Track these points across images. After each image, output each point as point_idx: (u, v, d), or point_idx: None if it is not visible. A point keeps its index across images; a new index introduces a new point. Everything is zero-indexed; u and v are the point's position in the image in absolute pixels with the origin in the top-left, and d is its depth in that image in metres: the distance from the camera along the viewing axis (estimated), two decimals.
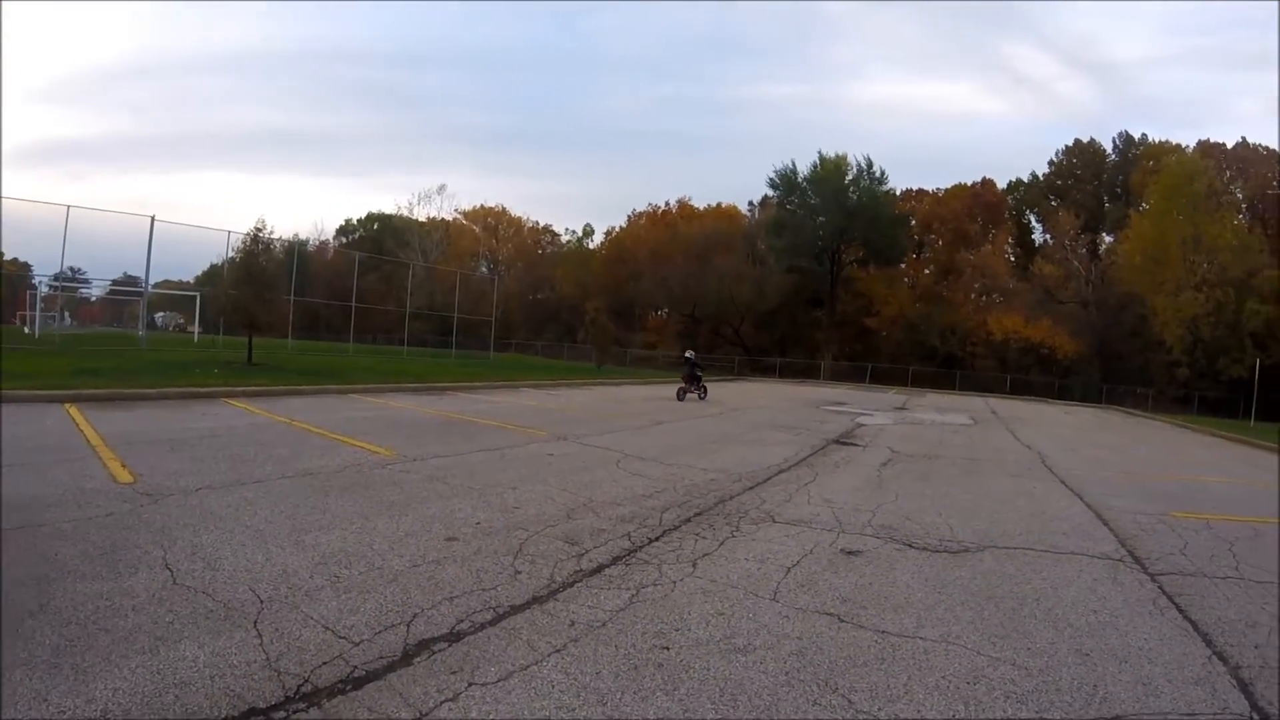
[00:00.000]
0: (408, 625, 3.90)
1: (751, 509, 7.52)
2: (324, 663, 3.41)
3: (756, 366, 62.09)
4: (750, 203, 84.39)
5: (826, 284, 66.38)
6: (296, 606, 4.07)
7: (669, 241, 72.91)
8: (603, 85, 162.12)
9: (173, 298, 69.37)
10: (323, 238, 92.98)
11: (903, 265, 72.17)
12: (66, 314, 56.99)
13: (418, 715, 3.03)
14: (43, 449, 8.18)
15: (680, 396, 23.74)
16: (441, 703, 3.13)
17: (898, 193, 71.68)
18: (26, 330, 40.71)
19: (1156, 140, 70.70)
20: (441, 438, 11.23)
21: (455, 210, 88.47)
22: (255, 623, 3.81)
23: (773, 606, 4.61)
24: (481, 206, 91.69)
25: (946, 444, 15.65)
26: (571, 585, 4.76)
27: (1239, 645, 4.46)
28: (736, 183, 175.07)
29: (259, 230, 23.37)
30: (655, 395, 25.66)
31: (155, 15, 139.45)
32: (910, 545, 6.44)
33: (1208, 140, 67.46)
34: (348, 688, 3.20)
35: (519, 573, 4.92)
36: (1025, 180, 78.96)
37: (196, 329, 49.72)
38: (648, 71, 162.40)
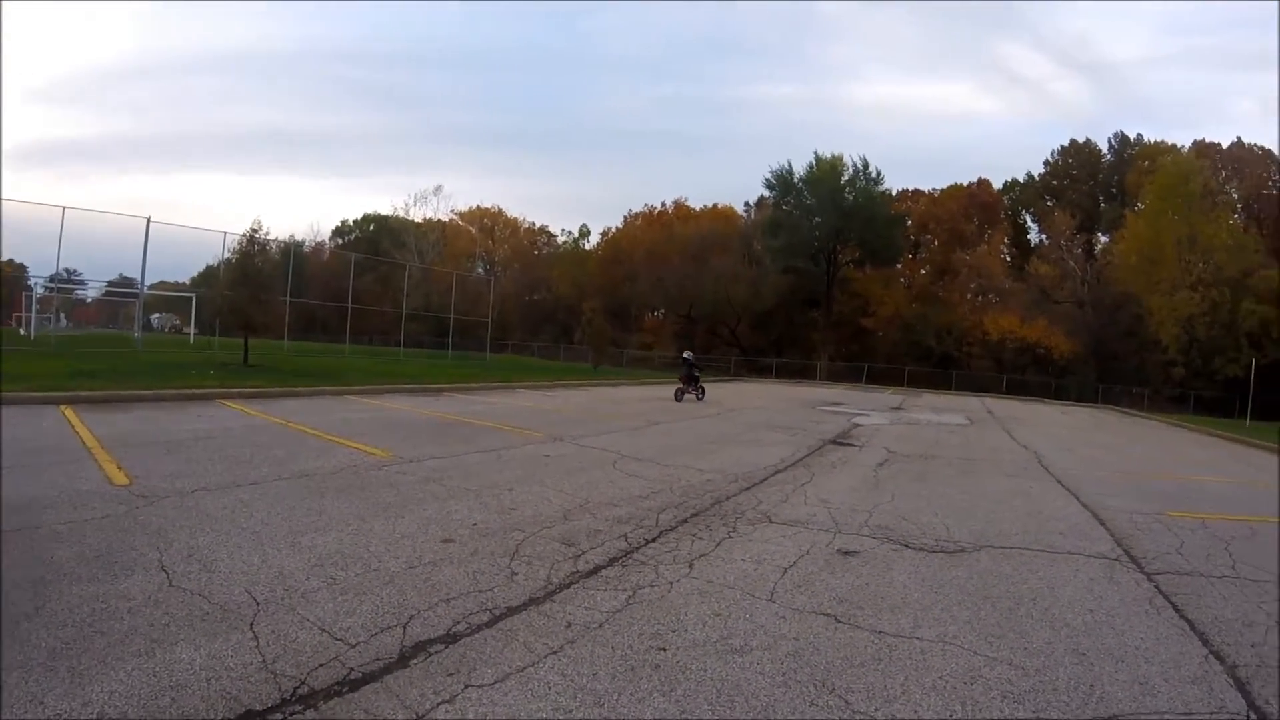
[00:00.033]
0: (404, 627, 3.90)
1: (748, 510, 7.52)
2: (320, 665, 3.40)
3: (753, 367, 62.13)
4: (746, 203, 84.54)
5: (823, 284, 66.45)
6: (293, 609, 4.07)
7: (665, 242, 72.91)
8: (599, 86, 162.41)
9: (169, 299, 69.33)
10: (319, 239, 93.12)
11: (899, 265, 72.20)
12: (62, 315, 56.86)
13: (414, 717, 3.02)
14: (38, 451, 8.17)
15: (678, 397, 23.75)
16: (438, 705, 3.13)
17: (894, 193, 71.82)
18: (22, 332, 40.65)
19: (1152, 140, 71.08)
20: (438, 439, 11.23)
21: (451, 211, 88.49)
22: (251, 625, 3.80)
23: (769, 607, 4.61)
24: (478, 207, 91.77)
25: (943, 444, 15.66)
26: (568, 587, 4.76)
27: (1235, 644, 4.47)
28: (733, 183, 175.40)
29: (255, 231, 23.37)
30: (652, 396, 25.66)
31: (152, 16, 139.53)
32: (907, 545, 6.44)
33: (1203, 140, 67.74)
34: (344, 690, 3.20)
35: (515, 574, 4.92)
36: (1021, 180, 79.27)
37: (192, 330, 49.79)
38: (644, 72, 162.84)
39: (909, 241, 73.89)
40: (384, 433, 11.48)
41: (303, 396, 16.79)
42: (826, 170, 64.13)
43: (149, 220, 28.09)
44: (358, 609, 4.12)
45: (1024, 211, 78.59)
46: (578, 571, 5.08)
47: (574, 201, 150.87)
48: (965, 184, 76.50)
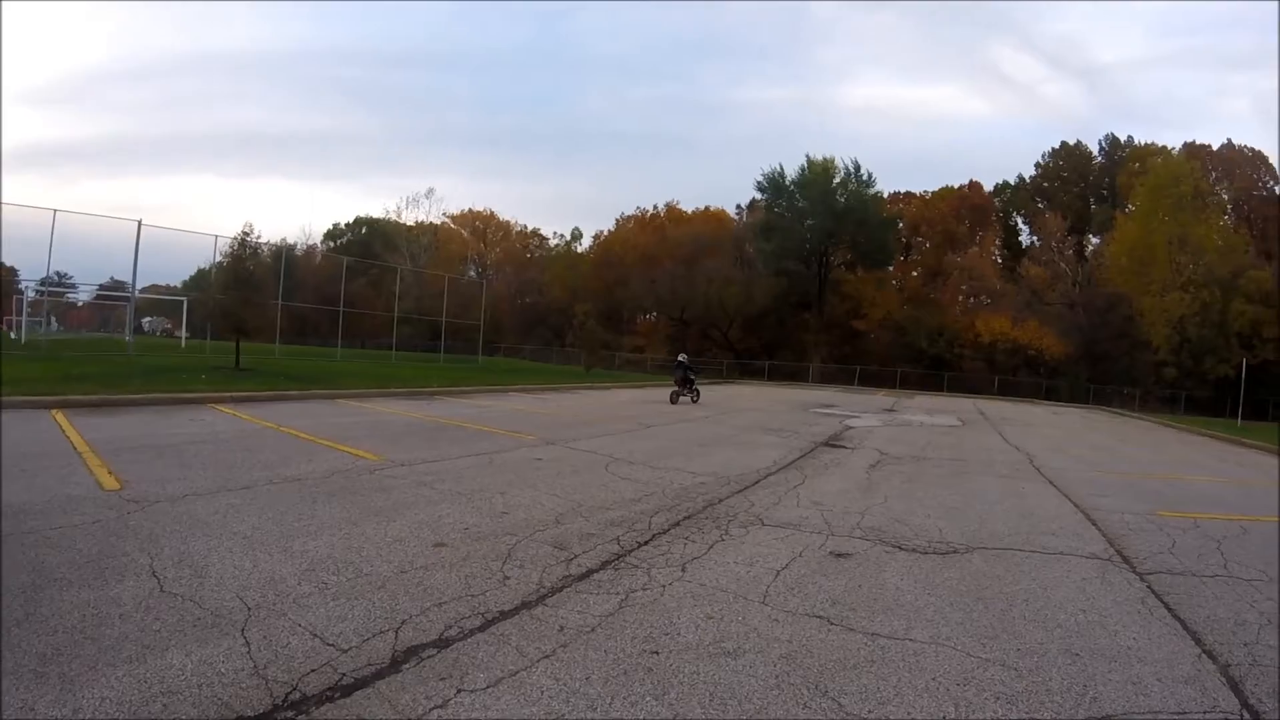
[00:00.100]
0: (396, 632, 3.89)
1: (741, 512, 7.52)
2: (312, 670, 3.39)
3: (745, 369, 62.11)
4: (738, 206, 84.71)
5: (815, 287, 66.57)
6: (284, 614, 4.05)
7: (657, 245, 73.04)
8: (591, 88, 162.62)
9: (160, 302, 69.28)
10: (310, 242, 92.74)
11: (890, 268, 72.45)
12: (53, 319, 56.78)
13: None
14: (29, 455, 8.12)
15: (674, 399, 23.85)
16: (430, 710, 3.12)
17: (885, 195, 72.25)
18: (13, 335, 40.44)
19: (1142, 142, 71.61)
20: (430, 443, 11.21)
21: (443, 214, 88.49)
22: (243, 630, 3.79)
23: (762, 610, 4.60)
24: (470, 210, 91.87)
25: (935, 445, 15.68)
26: (560, 590, 4.75)
27: (1228, 643, 4.48)
28: (725, 186, 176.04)
29: (246, 234, 23.37)
30: (644, 399, 25.66)
31: (142, 18, 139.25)
32: (899, 547, 6.45)
33: (1193, 142, 68.16)
34: (336, 695, 3.19)
35: (508, 578, 4.91)
36: (1012, 183, 79.62)
37: (184, 334, 49.56)
38: (636, 74, 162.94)
39: (901, 244, 74.09)
40: (375, 436, 11.46)
41: (294, 400, 16.77)
42: (818, 173, 64.32)
43: (140, 223, 28.07)
44: (349, 614, 4.10)
45: (1015, 213, 78.88)
46: (570, 575, 5.07)
47: (566, 204, 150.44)
48: (957, 186, 76.83)
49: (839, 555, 6.04)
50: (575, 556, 5.52)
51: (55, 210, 26.08)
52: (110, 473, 7.43)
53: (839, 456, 12.66)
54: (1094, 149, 78.04)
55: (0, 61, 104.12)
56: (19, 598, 4.00)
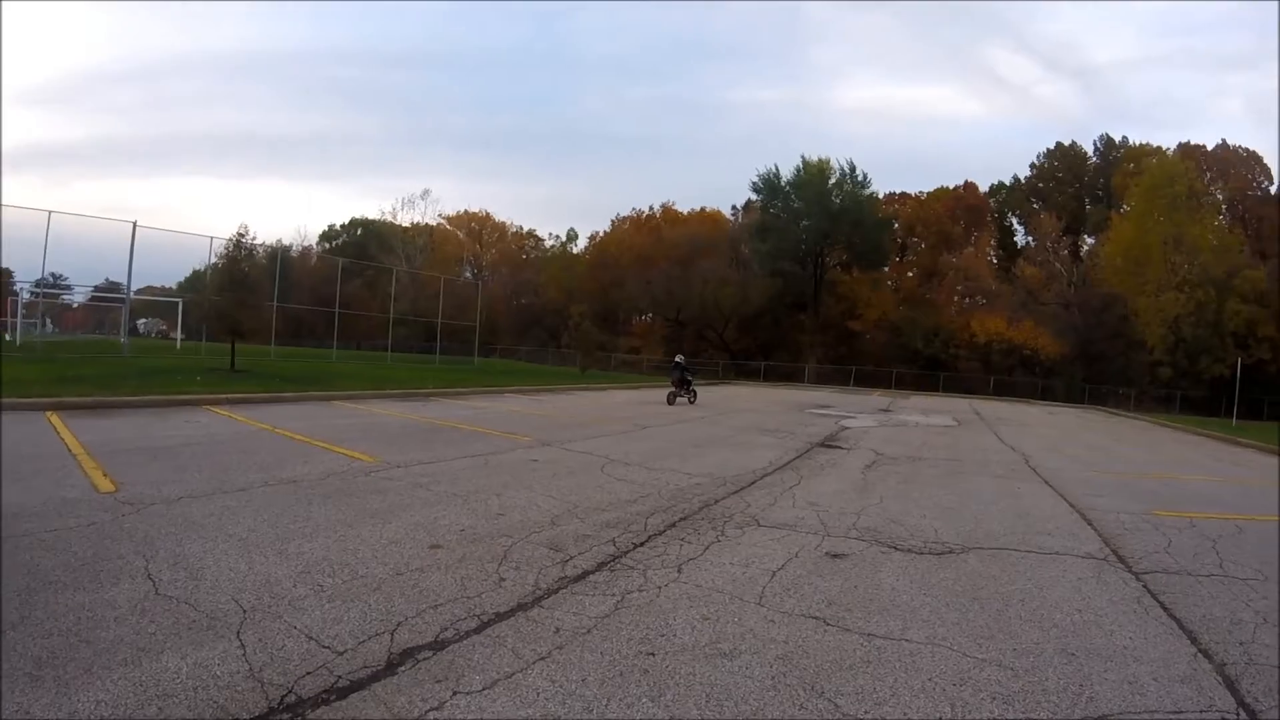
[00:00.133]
0: (392, 634, 3.88)
1: (736, 513, 7.51)
2: (308, 673, 3.38)
3: (741, 370, 62.11)
4: (734, 207, 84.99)
5: (810, 287, 66.61)
6: (280, 616, 4.04)
7: (653, 246, 73.13)
8: (586, 89, 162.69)
9: (155, 304, 69.10)
10: (306, 243, 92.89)
11: (886, 268, 72.57)
12: (48, 320, 56.62)
13: None
14: (24, 458, 8.10)
15: (671, 400, 23.95)
16: (426, 712, 3.11)
17: (881, 196, 72.24)
18: (7, 337, 40.33)
19: (1137, 143, 71.91)
20: (425, 444, 11.19)
21: (439, 215, 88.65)
22: (238, 633, 3.78)
23: (758, 611, 4.60)
24: (465, 212, 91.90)
25: (930, 446, 15.69)
26: (556, 592, 4.74)
27: (1224, 642, 4.49)
28: (720, 187, 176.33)
29: (242, 236, 23.36)
30: (640, 400, 25.65)
31: (135, 18, 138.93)
32: (895, 548, 6.45)
33: (1188, 142, 68.43)
34: (332, 698, 3.18)
35: (503, 580, 4.90)
36: (1007, 183, 79.88)
37: (179, 335, 49.49)
38: (631, 75, 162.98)
39: (896, 244, 74.28)
40: (371, 438, 11.45)
41: (290, 402, 16.75)
42: (814, 173, 64.42)
43: (135, 224, 27.92)
44: (345, 616, 4.10)
45: (1010, 214, 79.10)
46: (566, 577, 5.06)
47: (562, 205, 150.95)
48: (952, 187, 77.11)
49: (835, 556, 6.04)
50: (571, 558, 5.52)
51: (50, 211, 26.06)
52: (105, 475, 7.41)
53: (835, 457, 12.66)
54: (1089, 149, 78.49)
55: (0, 62, 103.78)
56: (14, 601, 3.99)
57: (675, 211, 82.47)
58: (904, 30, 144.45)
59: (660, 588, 4.93)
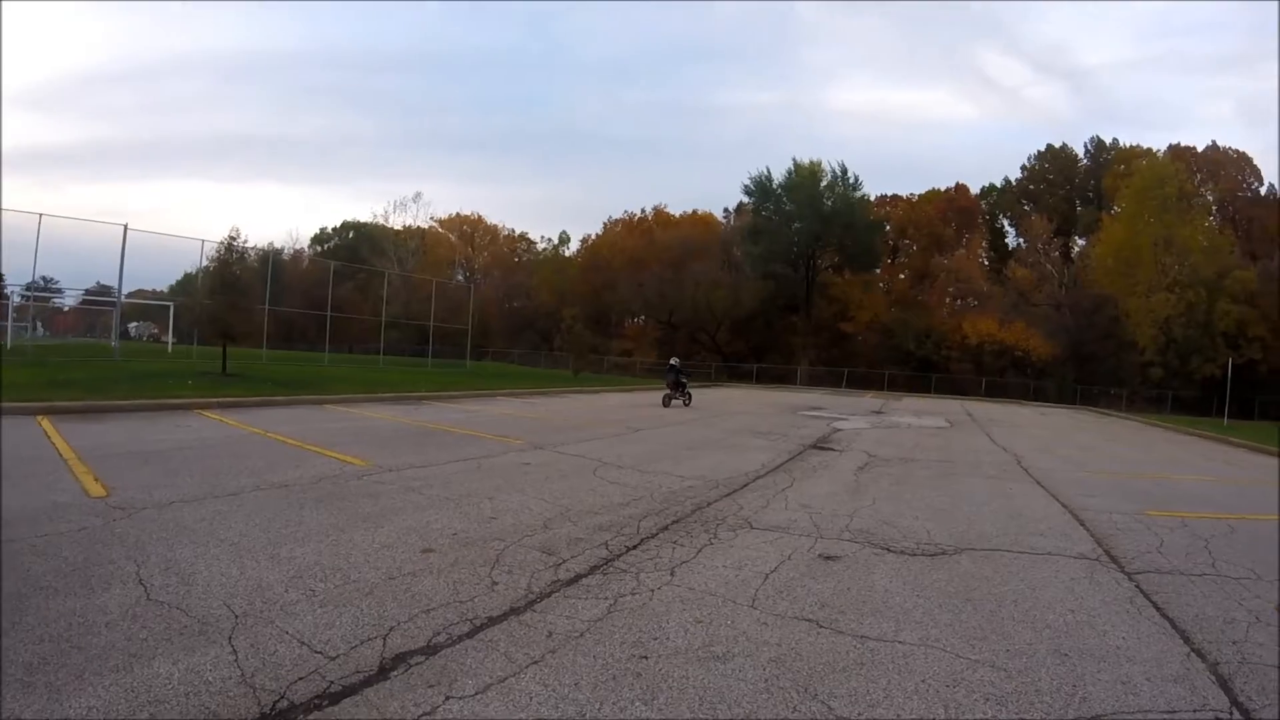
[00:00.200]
0: (384, 639, 3.87)
1: (729, 516, 7.51)
2: (300, 678, 3.37)
3: (734, 372, 62.12)
4: (726, 209, 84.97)
5: (802, 290, 66.65)
6: (272, 621, 4.03)
7: (645, 248, 73.16)
8: (578, 91, 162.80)
9: (147, 307, 69.03)
10: (297, 246, 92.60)
11: (878, 270, 72.69)
12: (39, 324, 56.44)
13: None
14: (14, 462, 8.06)
15: (666, 403, 23.99)
16: (419, 717, 3.10)
17: (872, 198, 72.26)
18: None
19: (1128, 144, 72.03)
20: (417, 448, 11.17)
21: (431, 218, 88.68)
22: (230, 638, 3.76)
23: (751, 613, 4.60)
24: (458, 214, 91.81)
25: (923, 447, 15.72)
26: (549, 596, 4.73)
27: (1217, 642, 4.51)
28: (712, 189, 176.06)
29: (233, 239, 23.24)
30: (633, 402, 25.66)
31: (126, 21, 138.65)
32: (888, 549, 6.45)
33: (1178, 144, 68.63)
34: (324, 703, 3.17)
35: (496, 584, 4.89)
36: (999, 185, 79.93)
37: (170, 339, 49.39)
38: (622, 77, 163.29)
39: (888, 246, 74.36)
40: (363, 442, 11.42)
41: (281, 406, 16.71)
42: (805, 176, 64.52)
43: (126, 227, 27.85)
44: (337, 621, 4.08)
45: (1001, 216, 79.33)
46: (558, 580, 5.05)
47: (554, 208, 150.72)
48: (943, 189, 77.25)
49: (828, 558, 6.04)
50: (564, 561, 5.51)
51: (41, 215, 25.96)
52: (96, 479, 7.39)
53: (827, 459, 12.67)
54: (1079, 151, 78.62)
55: (0, 63, 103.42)
56: (4, 606, 3.97)
57: (667, 214, 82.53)
58: (895, 33, 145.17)
59: (653, 591, 4.93)
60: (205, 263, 28.31)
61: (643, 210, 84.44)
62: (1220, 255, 53.45)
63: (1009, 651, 4.17)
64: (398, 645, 3.80)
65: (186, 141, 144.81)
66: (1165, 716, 3.48)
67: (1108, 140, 76.71)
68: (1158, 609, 5.13)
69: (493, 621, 4.22)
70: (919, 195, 77.84)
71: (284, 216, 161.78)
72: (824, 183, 65.12)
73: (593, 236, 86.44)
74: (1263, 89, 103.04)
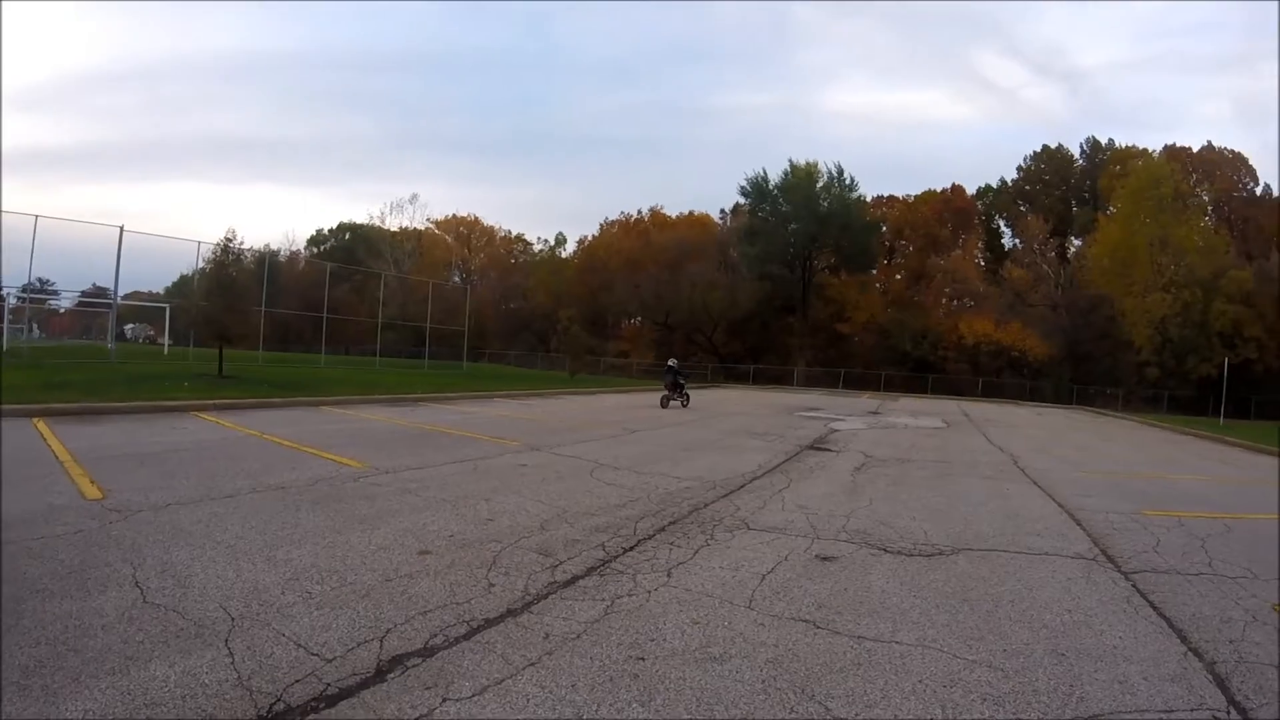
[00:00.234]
0: (381, 641, 3.87)
1: (726, 517, 7.52)
2: (296, 680, 3.37)
3: (730, 373, 62.10)
4: (722, 210, 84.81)
5: (799, 291, 66.62)
6: (268, 624, 4.02)
7: (642, 250, 73.16)
8: (575, 93, 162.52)
9: (143, 309, 68.85)
10: (294, 248, 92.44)
11: (874, 271, 72.66)
12: (35, 326, 56.32)
13: None
14: (10, 464, 8.04)
15: (664, 404, 24.02)
16: (416, 719, 3.10)
17: (869, 199, 72.40)
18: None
19: (1123, 145, 72.08)
20: (414, 450, 11.17)
21: (428, 220, 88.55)
22: (226, 641, 3.76)
23: (748, 614, 4.60)
24: (454, 216, 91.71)
25: (919, 448, 15.73)
26: (546, 597, 4.73)
27: (1214, 641, 4.51)
28: (709, 191, 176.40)
29: (229, 240, 23.17)
30: (629, 404, 25.66)
31: (123, 21, 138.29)
32: (885, 550, 6.46)
33: (1174, 144, 68.72)
34: (321, 706, 3.17)
35: (493, 585, 4.89)
36: (995, 186, 79.96)
37: (167, 341, 49.25)
38: (619, 78, 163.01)
39: (884, 247, 74.33)
40: (360, 444, 11.41)
41: (278, 408, 16.69)
42: (802, 177, 64.47)
43: (122, 229, 27.83)
44: (334, 623, 4.08)
45: (998, 216, 79.33)
46: (555, 582, 5.05)
47: (550, 210, 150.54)
48: (940, 190, 77.30)
49: (824, 559, 6.04)
50: (560, 563, 5.51)
51: (37, 216, 25.88)
52: (92, 482, 7.38)
53: (824, 460, 12.68)
54: (1075, 152, 78.72)
55: (0, 64, 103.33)
56: (3, 608, 3.96)
57: (664, 215, 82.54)
58: (892, 34, 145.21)
59: (650, 592, 4.93)
60: (201, 264, 28.34)
61: (639, 211, 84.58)
62: (1216, 255, 53.54)
63: (1006, 651, 4.17)
64: (394, 647, 3.80)
65: (182, 143, 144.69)
66: (1162, 716, 3.49)
67: (1103, 141, 76.90)
68: (1154, 608, 5.13)
69: (490, 623, 4.22)
70: (915, 196, 77.89)
71: (280, 218, 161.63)
72: (820, 184, 65.07)
73: (589, 238, 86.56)
74: (1258, 89, 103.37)
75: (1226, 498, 11.09)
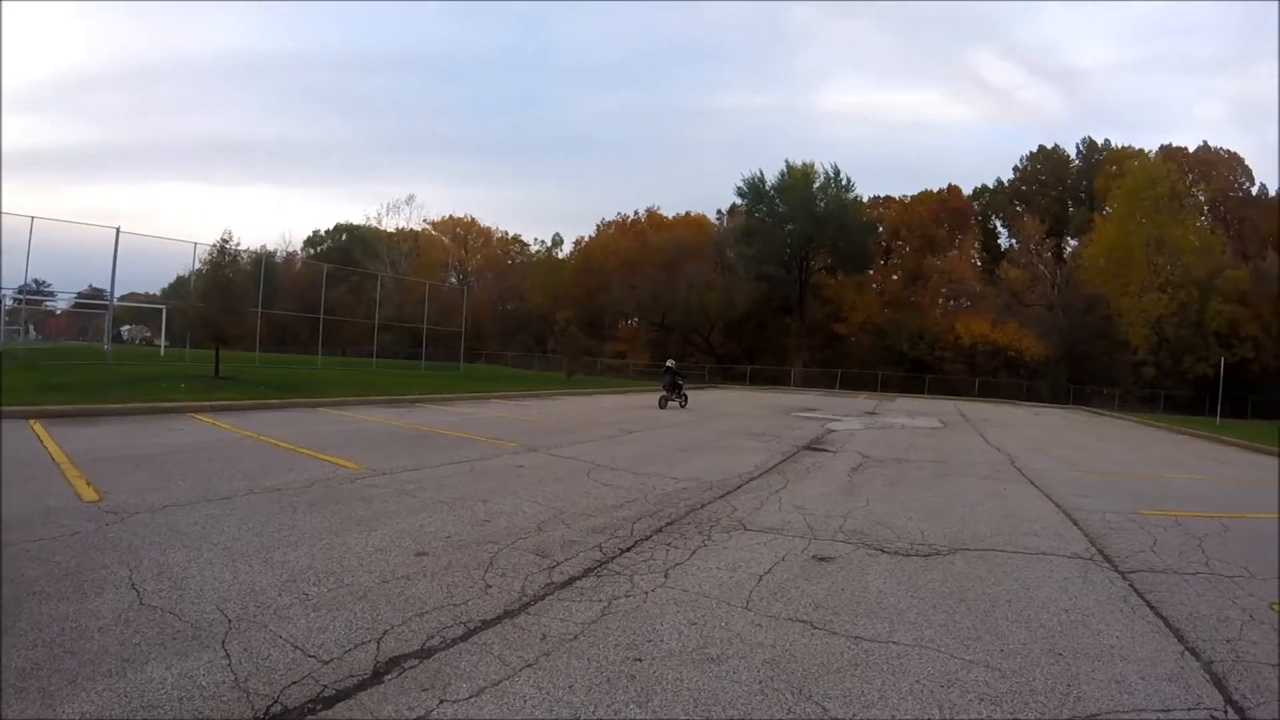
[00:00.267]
0: (378, 642, 3.86)
1: (723, 517, 7.51)
2: (293, 682, 3.36)
3: (727, 374, 62.11)
4: (719, 211, 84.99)
5: (795, 291, 66.74)
6: (265, 625, 4.02)
7: (638, 251, 73.23)
8: (571, 94, 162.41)
9: (139, 311, 68.79)
10: (290, 249, 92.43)
11: (871, 271, 72.76)
12: (31, 327, 56.28)
13: None
14: (7, 466, 8.01)
15: (663, 404, 24.04)
16: None
17: (865, 200, 72.60)
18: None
19: (1119, 145, 72.14)
20: (411, 451, 11.15)
21: (424, 221, 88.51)
22: (223, 643, 3.75)
23: (745, 615, 4.60)
24: (450, 217, 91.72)
25: (916, 448, 15.73)
26: (543, 598, 4.73)
27: (1211, 640, 4.52)
28: (705, 191, 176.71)
29: (225, 242, 23.14)
30: (626, 405, 25.66)
31: (117, 22, 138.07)
32: (882, 550, 6.46)
33: (1170, 144, 68.86)
34: (318, 708, 3.16)
35: (490, 587, 4.89)
36: (991, 186, 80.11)
37: (163, 342, 49.27)
38: (615, 79, 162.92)
39: (881, 248, 74.46)
40: (356, 445, 11.40)
41: (275, 409, 16.66)
42: (798, 178, 64.61)
43: (118, 230, 27.74)
44: (331, 625, 4.07)
45: (994, 217, 79.46)
46: (552, 583, 5.05)
47: (547, 211, 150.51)
48: (936, 190, 77.53)
49: (821, 559, 6.04)
50: (557, 564, 5.50)
51: (33, 217, 25.81)
52: (88, 484, 7.37)
53: (821, 460, 12.68)
54: (1071, 152, 78.89)
55: (0, 64, 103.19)
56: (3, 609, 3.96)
57: (660, 216, 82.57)
58: (889, 35, 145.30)
59: (647, 593, 4.92)
60: (198, 266, 28.36)
61: (636, 212, 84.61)
62: (1212, 255, 53.72)
63: (1003, 651, 4.17)
64: (391, 649, 3.79)
65: (178, 143, 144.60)
66: (1160, 715, 3.49)
67: (1099, 141, 77.06)
68: (1151, 608, 5.14)
69: (487, 624, 4.22)
70: (912, 196, 78.09)
71: (276, 219, 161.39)
72: (817, 184, 65.26)
73: (586, 239, 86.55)
74: (1253, 90, 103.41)
75: (1223, 497, 11.09)
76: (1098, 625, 4.71)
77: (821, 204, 64.37)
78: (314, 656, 3.64)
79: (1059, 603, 5.15)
